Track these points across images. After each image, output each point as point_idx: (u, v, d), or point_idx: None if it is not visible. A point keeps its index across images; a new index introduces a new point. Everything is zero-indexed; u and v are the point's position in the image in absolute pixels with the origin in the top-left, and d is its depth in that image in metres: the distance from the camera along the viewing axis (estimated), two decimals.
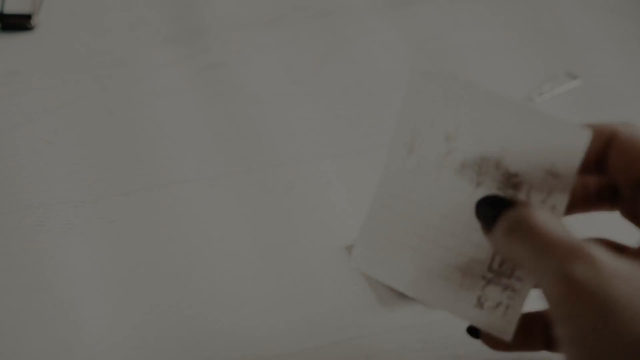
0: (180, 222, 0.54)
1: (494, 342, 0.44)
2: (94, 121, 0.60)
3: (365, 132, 0.60)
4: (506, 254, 0.40)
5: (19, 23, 0.65)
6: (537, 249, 0.37)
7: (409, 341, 0.48)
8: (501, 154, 0.42)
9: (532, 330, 0.44)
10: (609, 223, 0.44)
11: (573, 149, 0.40)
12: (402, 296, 0.49)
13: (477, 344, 0.47)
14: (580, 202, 0.44)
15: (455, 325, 0.48)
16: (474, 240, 0.43)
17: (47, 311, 0.49)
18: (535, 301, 0.42)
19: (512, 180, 0.42)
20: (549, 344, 0.44)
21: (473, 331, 0.45)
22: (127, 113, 0.61)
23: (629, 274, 0.35)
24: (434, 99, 0.42)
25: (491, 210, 0.41)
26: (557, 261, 0.36)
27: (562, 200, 0.41)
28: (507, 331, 0.43)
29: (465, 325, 0.46)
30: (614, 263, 0.36)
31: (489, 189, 0.42)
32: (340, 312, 0.50)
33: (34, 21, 0.65)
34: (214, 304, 0.50)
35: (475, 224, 0.43)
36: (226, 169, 0.57)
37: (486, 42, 0.66)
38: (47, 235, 0.53)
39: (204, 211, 0.55)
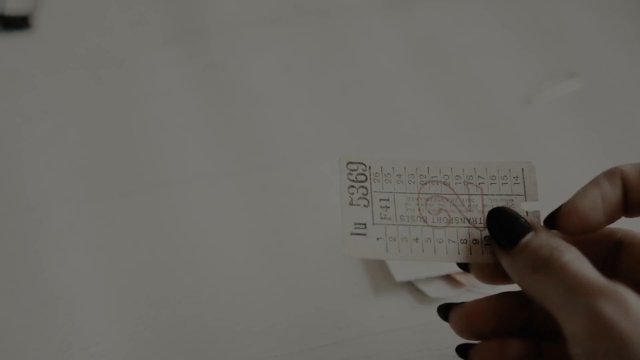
0: (179, 222, 0.54)
1: (482, 274, 0.44)
2: (94, 121, 0.60)
3: (365, 132, 0.60)
4: (529, 289, 0.40)
5: (19, 23, 0.65)
6: (567, 287, 0.38)
7: (409, 341, 0.48)
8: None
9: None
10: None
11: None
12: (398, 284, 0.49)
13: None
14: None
15: None
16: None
17: (47, 311, 0.49)
18: None
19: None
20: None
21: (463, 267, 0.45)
22: (127, 113, 0.61)
23: None
24: None
25: (509, 232, 0.42)
26: (588, 299, 0.37)
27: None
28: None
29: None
30: None
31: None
32: (340, 312, 0.50)
33: (34, 21, 0.65)
34: (213, 304, 0.50)
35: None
36: (226, 169, 0.57)
37: (486, 42, 0.66)
38: (47, 235, 0.53)
39: (203, 211, 0.55)
